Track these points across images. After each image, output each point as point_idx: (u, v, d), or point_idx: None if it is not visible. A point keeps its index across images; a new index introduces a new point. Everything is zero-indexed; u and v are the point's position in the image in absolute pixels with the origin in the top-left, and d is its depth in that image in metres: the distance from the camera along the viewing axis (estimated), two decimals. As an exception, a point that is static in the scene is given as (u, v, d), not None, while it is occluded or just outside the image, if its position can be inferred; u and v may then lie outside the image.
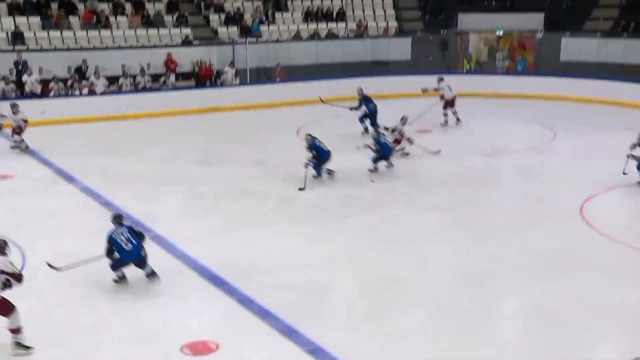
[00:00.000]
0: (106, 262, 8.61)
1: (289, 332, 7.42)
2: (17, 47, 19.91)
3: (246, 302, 8.13)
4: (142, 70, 20.57)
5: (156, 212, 11.25)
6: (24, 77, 19.06)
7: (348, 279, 8.86)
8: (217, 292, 8.45)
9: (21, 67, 19.28)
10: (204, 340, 7.29)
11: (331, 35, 24.47)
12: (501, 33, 24.61)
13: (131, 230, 8.71)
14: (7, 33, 20.28)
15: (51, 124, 17.92)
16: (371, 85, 21.32)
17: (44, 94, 19.13)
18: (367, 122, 16.85)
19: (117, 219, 8.79)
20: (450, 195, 12.28)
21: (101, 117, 18.59)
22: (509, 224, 10.81)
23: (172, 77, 20.90)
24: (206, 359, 7.04)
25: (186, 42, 22.23)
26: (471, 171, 13.72)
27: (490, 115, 19.33)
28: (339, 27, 25.13)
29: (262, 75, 22.23)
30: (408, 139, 14.53)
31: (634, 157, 12.11)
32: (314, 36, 24.21)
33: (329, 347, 7.06)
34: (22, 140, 15.38)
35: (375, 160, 13.48)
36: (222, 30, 23.35)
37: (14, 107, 15.28)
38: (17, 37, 20.13)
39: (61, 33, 20.91)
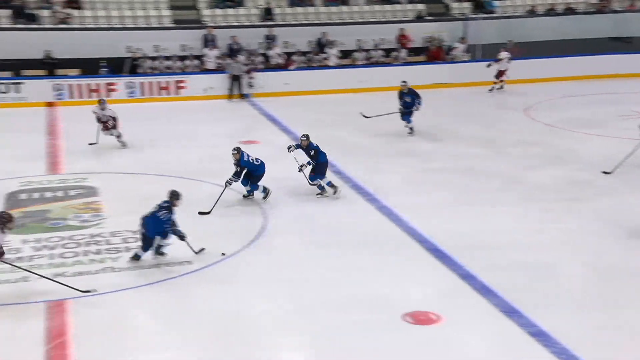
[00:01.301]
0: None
1: (511, 312, 7.42)
2: (266, 22, 21.44)
3: (469, 278, 8.25)
4: (376, 45, 21.20)
5: (385, 184, 11.72)
6: (268, 51, 20.55)
7: (575, 265, 8.68)
8: (441, 266, 8.65)
9: (270, 41, 20.74)
10: (426, 311, 7.49)
11: (569, 10, 23.31)
12: None
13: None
14: (259, 10, 21.95)
15: (292, 95, 19.38)
16: (611, 64, 20.08)
17: (287, 67, 20.48)
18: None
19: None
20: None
21: (336, 90, 19.55)
22: None
23: (404, 53, 21.31)
24: (426, 329, 7.22)
25: (419, 18, 22.48)
26: None
27: None
28: (578, 0, 23.85)
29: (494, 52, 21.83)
30: None
31: None
32: (550, 11, 23.23)
33: (553, 332, 6.97)
34: (110, 134, 14.31)
35: (314, 179, 11.22)
36: (455, 6, 23.25)
37: (101, 103, 14.50)
38: (267, 13, 21.72)
39: (305, 9, 22.20)
